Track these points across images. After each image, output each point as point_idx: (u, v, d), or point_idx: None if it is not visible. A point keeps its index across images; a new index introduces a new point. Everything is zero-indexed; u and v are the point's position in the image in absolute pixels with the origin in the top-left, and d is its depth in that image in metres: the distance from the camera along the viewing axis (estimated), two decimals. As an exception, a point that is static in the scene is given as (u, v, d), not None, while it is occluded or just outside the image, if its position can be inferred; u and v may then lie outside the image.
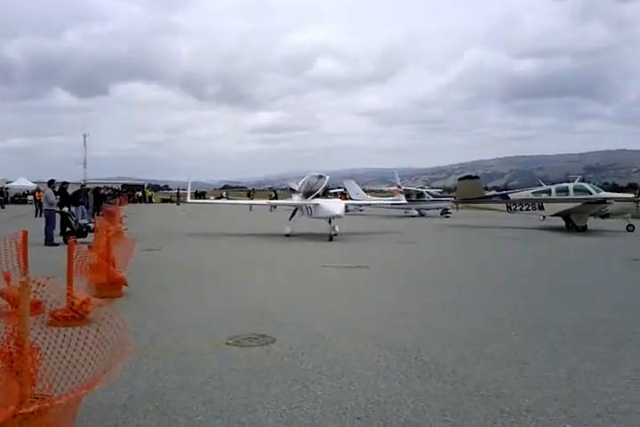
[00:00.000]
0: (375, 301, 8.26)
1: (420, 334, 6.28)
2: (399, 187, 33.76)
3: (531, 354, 5.53)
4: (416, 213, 35.34)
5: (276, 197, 54.91)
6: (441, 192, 48.29)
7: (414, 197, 35.70)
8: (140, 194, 63.98)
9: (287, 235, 19.10)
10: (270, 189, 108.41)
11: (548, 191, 24.61)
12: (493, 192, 31.44)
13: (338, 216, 18.13)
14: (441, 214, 34.65)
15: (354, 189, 37.76)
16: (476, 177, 28.68)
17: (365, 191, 44.65)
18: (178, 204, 58.30)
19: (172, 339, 6.01)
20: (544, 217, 25.28)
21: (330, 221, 18.44)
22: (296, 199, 20.71)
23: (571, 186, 24.48)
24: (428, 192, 37.85)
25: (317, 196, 19.20)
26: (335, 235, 18.16)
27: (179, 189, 75.91)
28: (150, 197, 65.44)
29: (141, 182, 68.37)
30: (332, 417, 3.98)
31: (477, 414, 4.04)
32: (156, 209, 47.55)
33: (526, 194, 25.27)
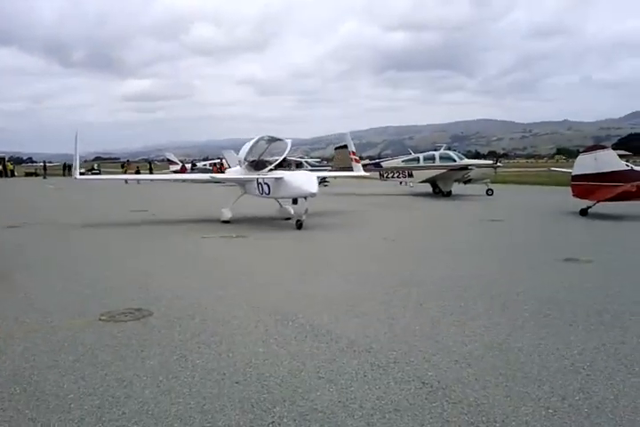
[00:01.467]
0: (258, 272, 8.35)
1: (299, 299, 6.48)
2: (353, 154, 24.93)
3: (399, 310, 5.92)
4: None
5: (151, 170, 52.97)
6: (319, 162, 49.27)
7: (294, 167, 36.18)
8: (0, 167, 58.62)
9: (226, 221, 14.27)
10: (146, 160, 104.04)
11: (417, 159, 25.93)
12: (367, 161, 32.55)
13: (312, 195, 12.91)
14: (319, 183, 35.33)
15: (234, 159, 37.35)
16: (344, 146, 29.42)
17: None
18: (44, 177, 54.88)
19: (40, 318, 5.72)
20: (411, 184, 26.52)
21: (294, 202, 14.93)
22: (237, 172, 15.28)
23: (437, 154, 25.94)
24: (306, 162, 38.50)
25: (276, 167, 14.71)
26: (301, 221, 13.07)
27: (44, 162, 70.62)
28: (12, 171, 60.30)
29: (1, 155, 62.65)
30: (210, 384, 4.04)
31: (349, 369, 4.29)
32: (20, 184, 44.00)
33: (397, 162, 26.46)
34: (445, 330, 5.25)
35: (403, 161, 26.29)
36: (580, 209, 15.74)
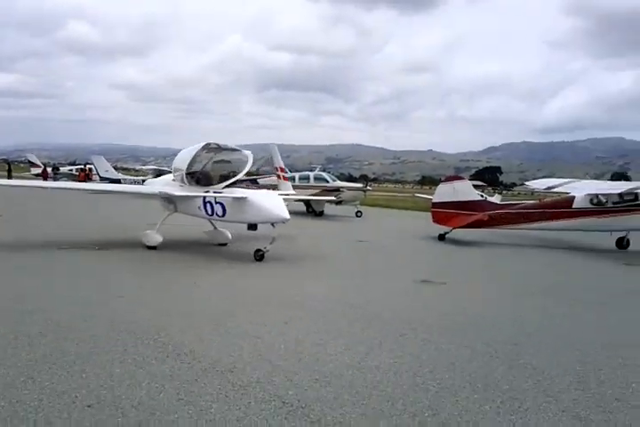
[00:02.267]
0: (115, 283, 7.98)
1: (159, 316, 6.29)
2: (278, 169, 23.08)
3: (263, 329, 5.96)
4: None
5: (10, 171, 48.85)
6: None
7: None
8: None
9: (152, 247, 11.45)
10: (5, 161, 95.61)
11: (292, 178, 26.38)
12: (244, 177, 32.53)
13: (284, 221, 10.61)
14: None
15: (103, 166, 35.53)
16: (228, 161, 29.33)
17: (117, 169, 42.61)
18: None
19: None
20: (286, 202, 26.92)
21: (253, 228, 11.08)
22: (167, 184, 12.37)
23: (311, 174, 26.56)
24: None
25: (234, 183, 11.52)
26: (266, 251, 10.81)
27: None
28: None
29: None
30: (60, 407, 3.79)
31: (210, 389, 4.24)
32: None
33: (273, 180, 26.73)
34: (308, 349, 5.36)
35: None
36: (438, 234, 16.85)
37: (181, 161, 12.03)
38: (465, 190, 17.33)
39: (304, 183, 25.38)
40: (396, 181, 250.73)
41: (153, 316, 6.27)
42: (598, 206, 17.04)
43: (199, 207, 11.43)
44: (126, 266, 9.61)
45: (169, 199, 11.97)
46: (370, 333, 6.07)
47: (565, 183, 20.89)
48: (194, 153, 11.83)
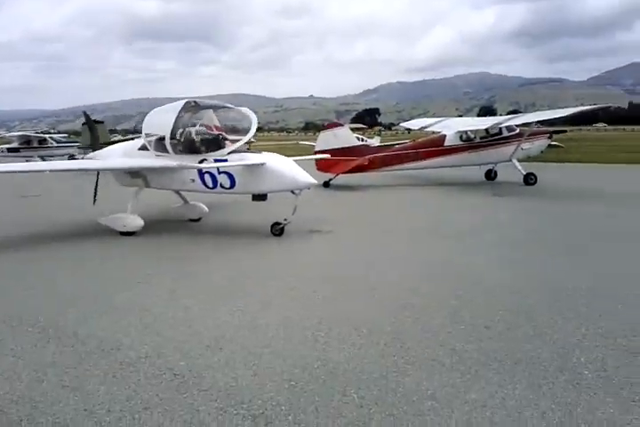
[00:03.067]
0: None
1: (39, 298, 5.96)
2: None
3: (151, 300, 5.84)
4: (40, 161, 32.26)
5: None
6: (68, 137, 45.06)
7: (36, 143, 32.48)
8: None
9: (130, 232, 9.73)
10: None
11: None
12: (119, 137, 30.81)
13: (310, 186, 9.31)
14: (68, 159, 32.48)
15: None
16: (100, 122, 27.59)
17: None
18: None
19: None
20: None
21: (262, 198, 9.59)
22: (134, 153, 10.51)
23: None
24: (51, 137, 34.78)
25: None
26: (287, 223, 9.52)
27: None
28: None
29: None
30: None
31: (96, 371, 4.12)
32: None
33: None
34: (197, 315, 5.34)
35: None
36: (323, 181, 17.13)
37: (159, 125, 9.99)
38: (345, 136, 17.65)
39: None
40: (281, 129, 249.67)
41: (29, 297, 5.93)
42: (467, 142, 18.03)
43: (192, 180, 9.60)
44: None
45: (137, 173, 10.18)
46: (259, 292, 6.13)
47: (437, 122, 21.85)
48: (175, 115, 9.77)
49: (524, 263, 7.35)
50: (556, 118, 17.70)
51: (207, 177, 9.48)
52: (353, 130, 23.27)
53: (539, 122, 18.61)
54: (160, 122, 10.00)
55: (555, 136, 19.90)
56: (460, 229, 10.04)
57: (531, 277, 6.63)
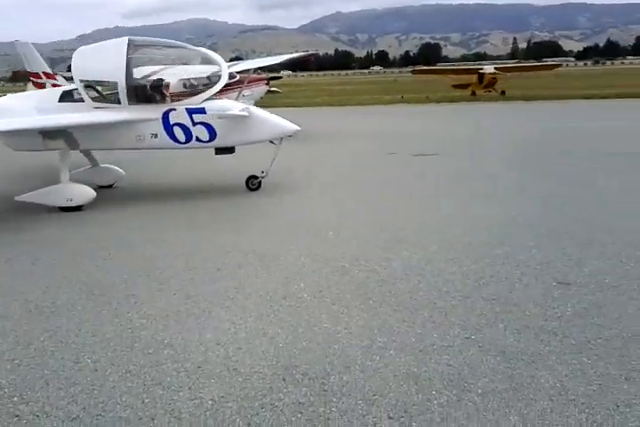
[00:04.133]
0: None
1: None
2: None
3: None
4: None
5: None
6: None
7: None
8: None
9: (76, 207, 7.79)
10: None
11: None
12: None
13: (294, 133, 8.60)
14: None
15: None
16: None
17: None
18: None
19: None
20: None
21: (229, 151, 8.64)
22: (64, 107, 8.30)
23: None
24: None
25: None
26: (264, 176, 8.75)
27: None
28: None
29: None
30: None
31: None
32: None
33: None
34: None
35: None
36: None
37: (103, 70, 8.12)
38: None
39: None
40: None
41: None
42: (191, 89, 17.83)
43: (154, 135, 8.08)
44: None
45: (57, 132, 7.89)
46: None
47: (160, 70, 21.06)
48: (124, 56, 7.98)
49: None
50: (273, 64, 18.48)
51: (177, 130, 8.10)
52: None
53: (259, 68, 19.22)
54: (105, 65, 8.12)
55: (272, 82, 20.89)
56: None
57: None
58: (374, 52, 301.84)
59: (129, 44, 8.21)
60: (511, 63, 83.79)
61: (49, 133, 7.92)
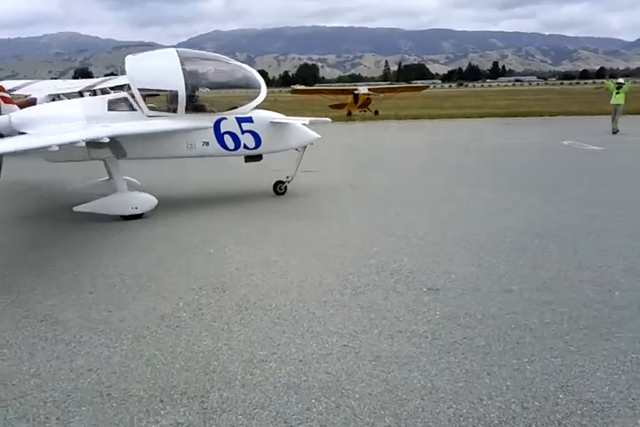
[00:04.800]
0: None
1: None
2: None
3: None
4: None
5: None
6: None
7: None
8: None
9: (137, 215, 7.70)
10: None
11: None
12: None
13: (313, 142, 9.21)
14: None
15: None
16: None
17: None
18: None
19: None
20: None
21: (258, 159, 9.16)
22: (137, 119, 8.03)
23: None
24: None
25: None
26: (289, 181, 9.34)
27: None
28: None
29: None
30: None
31: None
32: None
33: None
34: None
35: None
36: None
37: (163, 79, 8.32)
38: None
39: None
40: None
41: None
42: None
43: (205, 143, 8.37)
44: None
45: (104, 142, 7.15)
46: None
47: (25, 85, 19.92)
48: (179, 66, 8.29)
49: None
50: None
51: (227, 138, 8.47)
52: None
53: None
54: (164, 76, 8.32)
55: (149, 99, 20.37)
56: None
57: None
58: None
59: (179, 56, 8.48)
60: (384, 84, 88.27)
61: (95, 143, 7.31)
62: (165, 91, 8.59)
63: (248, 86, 9.10)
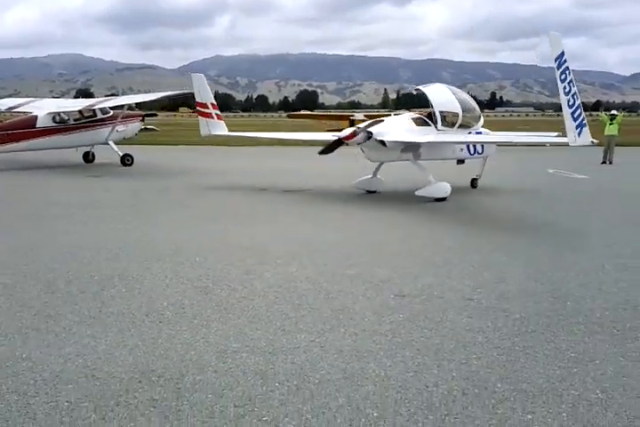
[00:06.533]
0: None
1: None
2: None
3: None
4: None
5: None
6: None
7: None
8: None
9: (442, 198, 11.05)
10: None
11: None
12: None
13: None
14: None
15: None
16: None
17: None
18: None
19: None
20: None
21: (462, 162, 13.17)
22: (427, 132, 11.27)
23: None
24: None
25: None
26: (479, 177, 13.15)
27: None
28: None
29: None
30: None
31: None
32: None
33: None
34: None
35: None
36: None
37: (451, 105, 11.60)
38: None
39: None
40: None
41: None
42: (61, 124, 17.45)
43: (461, 149, 12.01)
44: None
45: (411, 147, 11.03)
46: None
47: (27, 103, 20.46)
48: (453, 95, 11.81)
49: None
50: (148, 101, 18.68)
51: (471, 146, 12.07)
52: None
53: (137, 105, 19.31)
54: (448, 101, 11.56)
55: (150, 120, 21.00)
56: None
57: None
58: (254, 96, 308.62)
59: (449, 89, 12.09)
60: (383, 112, 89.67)
61: (406, 148, 10.95)
62: (453, 112, 11.52)
63: (475, 110, 12.35)
